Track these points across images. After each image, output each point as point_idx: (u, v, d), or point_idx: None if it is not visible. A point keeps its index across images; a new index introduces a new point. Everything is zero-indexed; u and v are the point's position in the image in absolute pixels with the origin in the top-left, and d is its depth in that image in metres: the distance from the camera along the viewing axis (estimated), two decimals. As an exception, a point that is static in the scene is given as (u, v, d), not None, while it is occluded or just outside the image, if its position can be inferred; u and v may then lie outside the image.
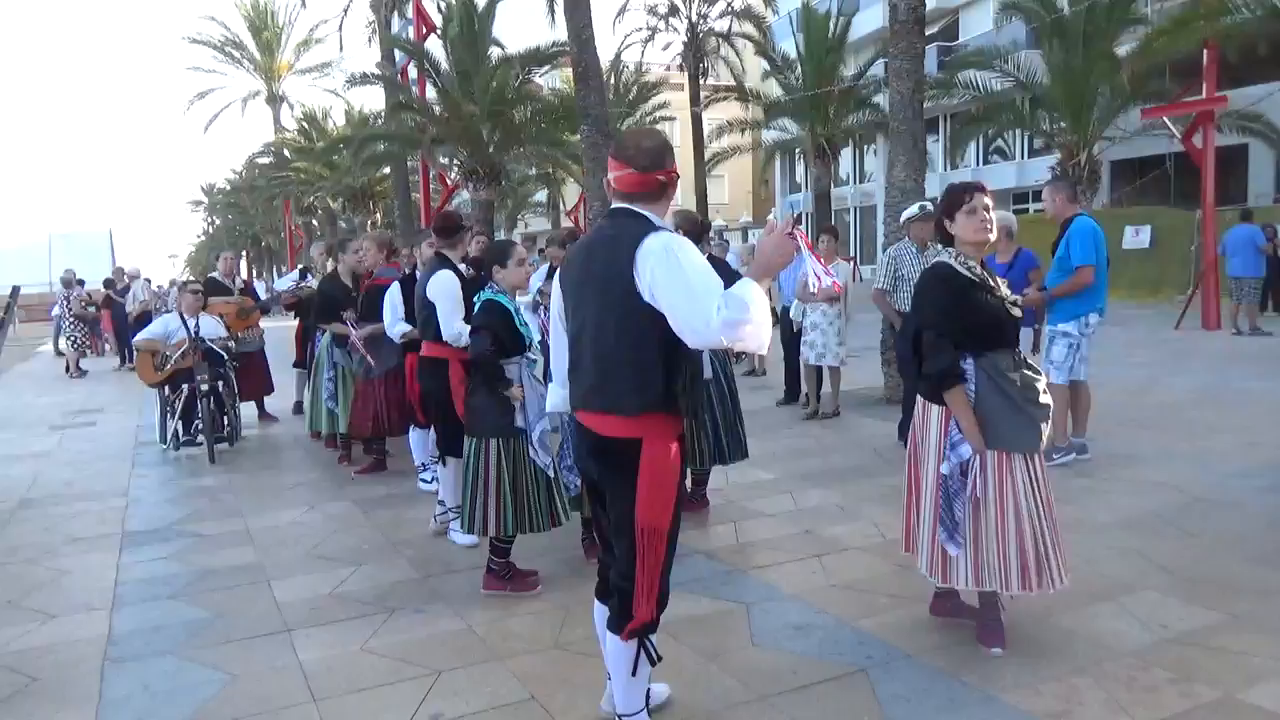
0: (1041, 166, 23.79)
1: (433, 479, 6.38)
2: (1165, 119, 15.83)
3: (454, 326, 4.92)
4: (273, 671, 3.63)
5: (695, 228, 5.56)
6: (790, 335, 9.21)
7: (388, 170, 26.11)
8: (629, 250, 2.66)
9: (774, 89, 26.63)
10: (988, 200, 3.46)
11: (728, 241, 17.38)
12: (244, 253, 55.33)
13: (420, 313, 5.20)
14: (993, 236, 3.51)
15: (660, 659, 2.89)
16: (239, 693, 3.46)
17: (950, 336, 3.37)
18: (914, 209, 7.25)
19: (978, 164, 30.36)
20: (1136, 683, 3.21)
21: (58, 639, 4.06)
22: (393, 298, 6.14)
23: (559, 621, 3.98)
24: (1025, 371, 3.40)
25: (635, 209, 2.79)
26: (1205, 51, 14.71)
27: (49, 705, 3.43)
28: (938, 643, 3.60)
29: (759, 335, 2.47)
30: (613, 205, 2.86)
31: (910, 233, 7.19)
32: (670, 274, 2.57)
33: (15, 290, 7.69)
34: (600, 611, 2.95)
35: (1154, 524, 4.88)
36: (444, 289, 4.99)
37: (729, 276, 5.50)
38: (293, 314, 9.55)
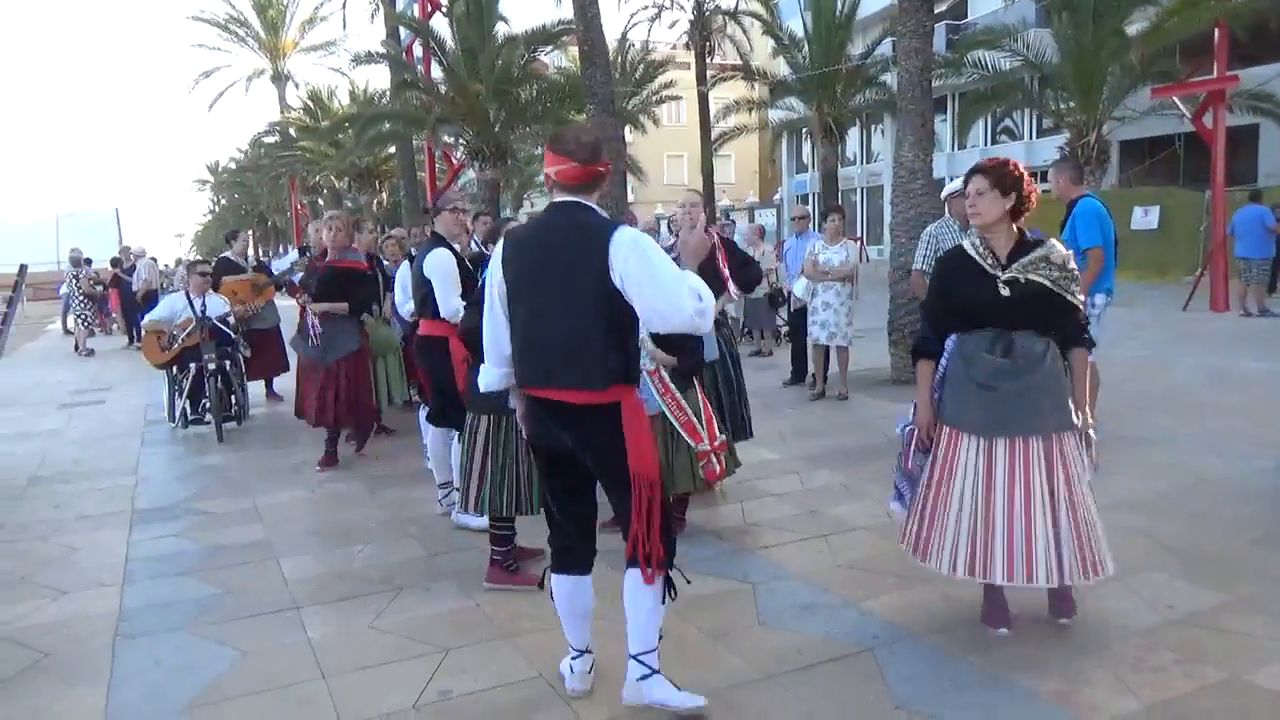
0: (1050, 146, 23.61)
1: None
2: (1175, 98, 15.69)
3: (451, 303, 4.92)
4: (282, 648, 3.66)
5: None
6: (796, 315, 9.20)
7: (393, 149, 26.01)
8: (600, 241, 2.88)
9: (781, 68, 26.44)
10: (978, 184, 3.36)
11: (734, 221, 17.36)
12: (250, 231, 55.28)
13: (418, 291, 5.19)
14: (981, 220, 3.36)
15: (689, 582, 3.17)
16: (249, 669, 3.49)
17: (934, 315, 3.50)
18: (955, 184, 6.88)
19: (986, 143, 30.15)
20: (1143, 663, 3.21)
21: (69, 615, 4.09)
22: (403, 278, 6.16)
23: (566, 600, 3.99)
24: (1004, 359, 3.26)
25: (581, 200, 3.02)
26: (1216, 30, 14.55)
27: (61, 680, 3.46)
28: (944, 623, 3.61)
29: (711, 319, 2.88)
30: (561, 198, 3.04)
31: (951, 209, 6.82)
32: (642, 267, 2.83)
33: (23, 269, 7.70)
34: (562, 585, 3.14)
35: (1161, 505, 4.87)
36: (438, 267, 4.98)
37: (735, 257, 5.53)
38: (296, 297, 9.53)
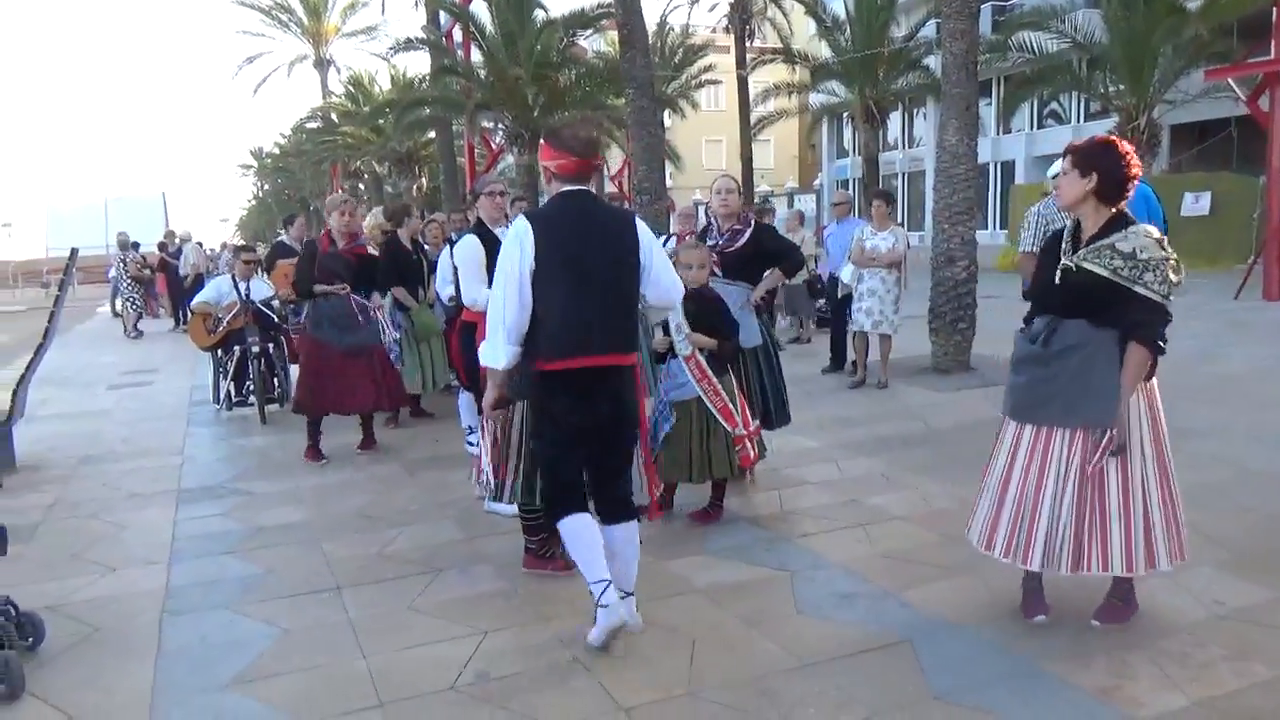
0: (1098, 130, 23.05)
1: (477, 443, 6.45)
2: (1230, 80, 15.25)
3: (473, 291, 4.80)
4: (323, 627, 3.71)
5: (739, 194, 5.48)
6: (837, 302, 9.11)
7: (433, 134, 26.14)
8: (631, 227, 3.40)
9: (822, 51, 26.13)
10: (1063, 164, 3.34)
11: (774, 208, 17.21)
12: (302, 217, 55.79)
13: (455, 278, 5.20)
14: (1060, 201, 3.43)
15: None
16: (291, 647, 3.55)
17: (1030, 297, 3.55)
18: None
19: (1032, 128, 29.59)
20: (1190, 659, 3.15)
21: (118, 591, 4.19)
22: (444, 263, 6.19)
23: (603, 585, 4.00)
24: (1035, 345, 3.30)
25: (588, 189, 3.41)
26: (1275, 9, 14.10)
27: (111, 654, 3.55)
28: (984, 615, 3.56)
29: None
30: (566, 187, 3.35)
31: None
32: (659, 252, 3.43)
33: (74, 252, 7.86)
34: (581, 521, 3.38)
35: (1209, 498, 4.76)
36: (465, 255, 4.86)
37: (778, 243, 5.49)
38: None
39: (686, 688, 3.11)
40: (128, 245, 17.58)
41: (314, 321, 6.40)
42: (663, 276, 3.44)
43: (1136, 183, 3.27)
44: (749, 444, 4.60)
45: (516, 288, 3.27)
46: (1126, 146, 3.27)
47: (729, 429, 4.53)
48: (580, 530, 3.36)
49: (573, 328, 3.26)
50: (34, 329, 7.72)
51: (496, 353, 3.37)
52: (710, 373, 4.53)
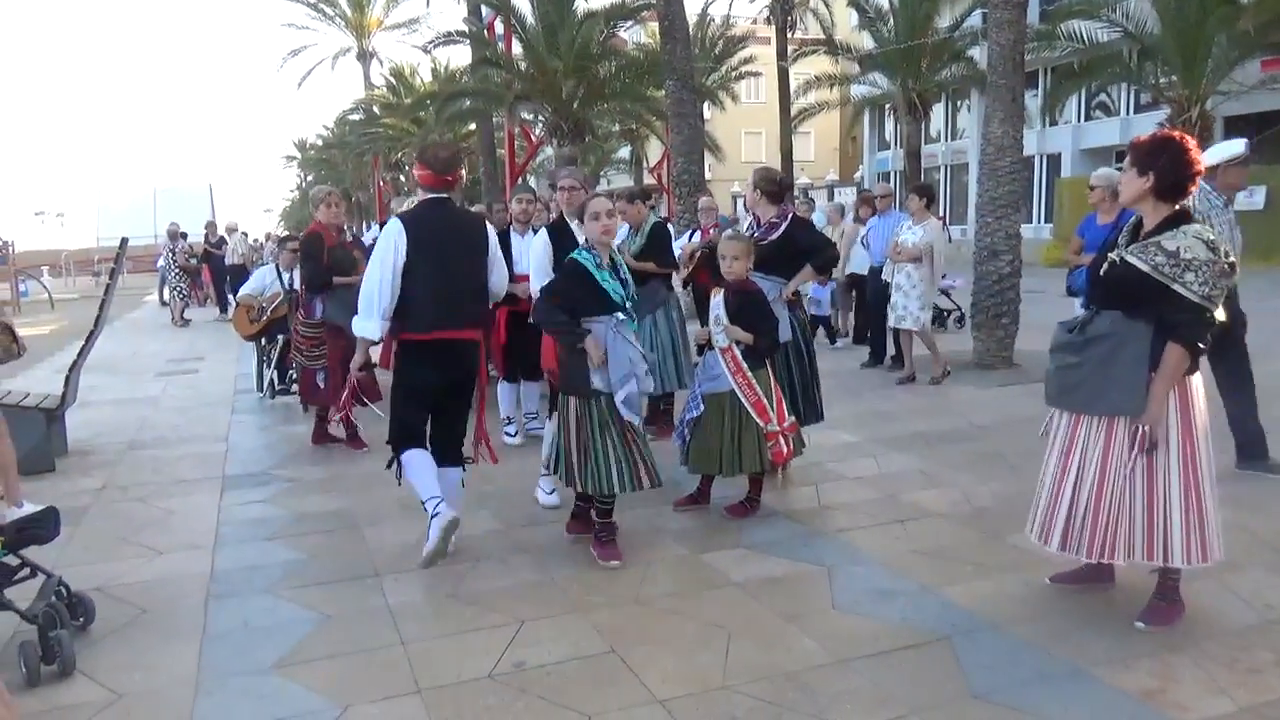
0: (1148, 123, 22.53)
1: (516, 432, 6.50)
2: (1288, 71, 14.82)
3: (537, 284, 4.99)
4: (363, 614, 3.76)
5: (774, 187, 5.42)
6: (877, 297, 9.03)
7: (473, 127, 26.28)
8: (481, 228, 4.32)
9: (865, 42, 25.83)
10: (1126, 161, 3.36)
11: (814, 200, 17.05)
12: (349, 200, 56.34)
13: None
14: (1120, 199, 3.42)
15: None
16: (332, 632, 3.60)
17: None
18: (1236, 146, 5.31)
19: (1079, 120, 29.00)
20: (1238, 664, 3.08)
21: (165, 574, 4.28)
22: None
23: (639, 578, 4.02)
24: (1070, 333, 3.36)
25: (448, 197, 4.26)
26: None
27: (158, 636, 3.63)
28: (1025, 613, 3.52)
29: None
30: (429, 195, 4.20)
31: (1221, 179, 5.37)
32: (497, 250, 4.36)
33: (124, 242, 8.03)
34: (422, 456, 4.17)
35: (1260, 499, 4.66)
36: (534, 250, 5.10)
37: (812, 238, 5.44)
38: None
39: (722, 681, 3.11)
40: (177, 235, 17.92)
41: (334, 313, 6.30)
42: (496, 269, 4.36)
43: (1199, 180, 3.22)
44: (782, 440, 4.57)
45: (390, 277, 4.04)
46: (1190, 143, 3.21)
47: (761, 424, 4.50)
48: (419, 459, 4.17)
49: (434, 307, 4.06)
50: (86, 317, 7.90)
51: (369, 326, 4.11)
52: (745, 367, 4.52)
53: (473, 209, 8.98)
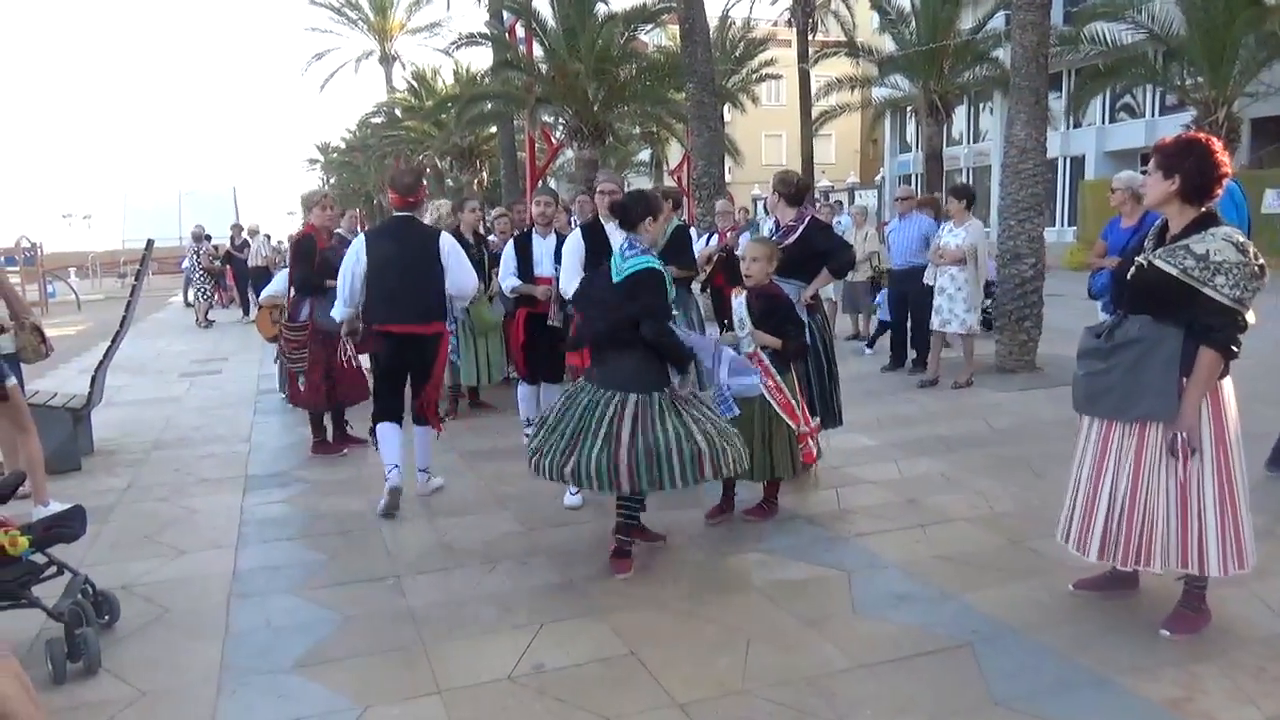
0: (1174, 125, 22.33)
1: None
2: (1317, 73, 14.62)
3: (566, 283, 5.21)
4: (383, 614, 3.78)
5: (792, 190, 5.40)
6: (898, 299, 8.97)
7: (494, 129, 26.37)
8: (434, 240, 5.09)
9: (886, 44, 25.72)
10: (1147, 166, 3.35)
11: (839, 203, 16.96)
12: (358, 210, 56.82)
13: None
14: (1145, 201, 3.45)
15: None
16: (352, 633, 3.62)
17: None
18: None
19: (1103, 121, 28.74)
20: (1266, 673, 3.04)
21: (188, 573, 4.32)
22: (507, 254, 6.28)
23: (658, 581, 4.01)
24: (1098, 339, 3.34)
25: (411, 215, 5.17)
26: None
27: (181, 635, 3.66)
28: (1048, 620, 3.49)
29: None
30: (395, 213, 5.17)
31: None
32: (457, 256, 5.10)
33: (149, 244, 8.11)
34: (389, 428, 5.10)
35: (1289, 507, 4.59)
36: (567, 249, 5.23)
37: (829, 240, 5.41)
38: None
39: (742, 685, 3.10)
40: (201, 237, 18.10)
41: (322, 317, 6.23)
42: (455, 275, 5.09)
43: (1226, 183, 3.18)
44: (811, 441, 4.58)
45: (350, 280, 5.11)
46: (1215, 145, 3.17)
47: (792, 426, 4.48)
48: (385, 432, 5.10)
49: (384, 306, 5.03)
50: (111, 318, 7.98)
51: (338, 310, 5.29)
52: (774, 370, 4.51)
53: (493, 211, 9.06)
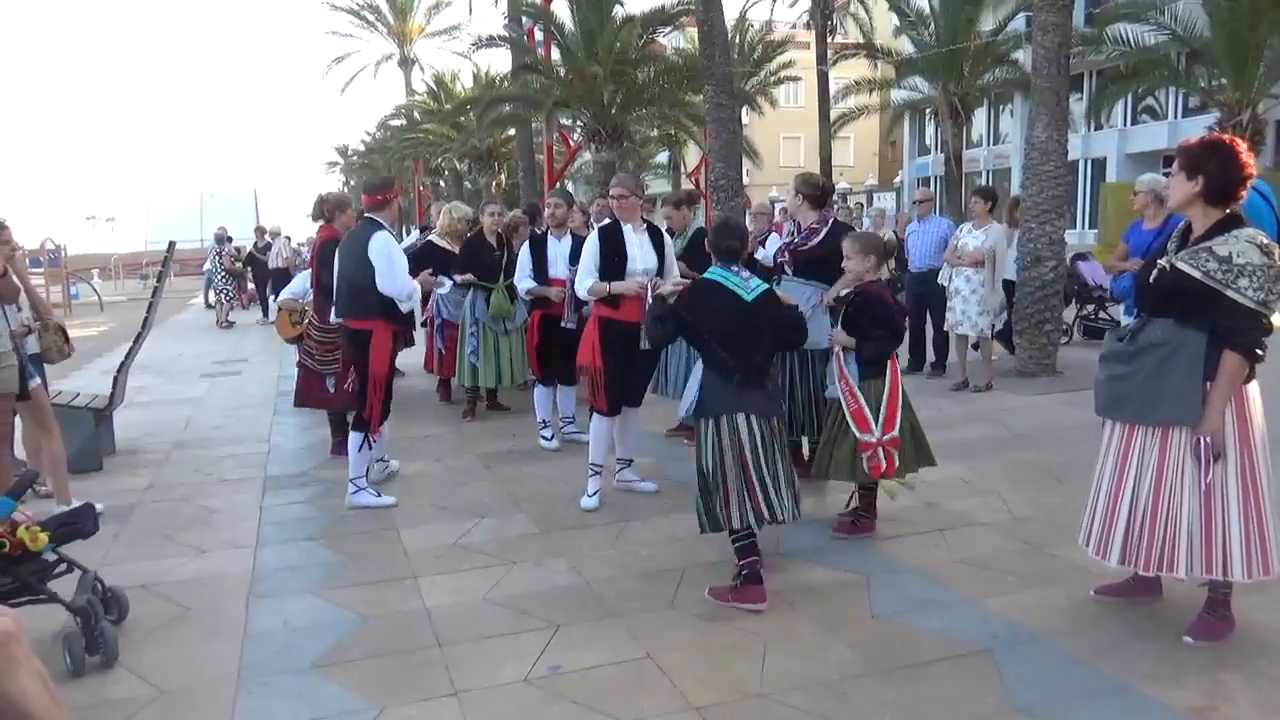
0: (1197, 127, 22.09)
1: (552, 436, 6.51)
2: (1344, 74, 14.43)
3: (582, 281, 5.12)
4: (400, 615, 3.79)
5: (816, 192, 5.37)
6: (916, 301, 8.92)
7: (512, 132, 26.45)
8: (364, 240, 5.13)
9: (905, 46, 25.60)
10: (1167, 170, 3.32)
11: (860, 205, 16.87)
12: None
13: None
14: (1169, 203, 3.39)
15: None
16: (370, 633, 3.63)
17: None
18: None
19: (1125, 124, 28.50)
20: (1292, 682, 3.00)
21: (208, 572, 4.35)
22: (522, 256, 6.30)
23: (674, 583, 4.00)
24: (1121, 342, 3.32)
25: (375, 216, 5.28)
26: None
27: (201, 634, 3.68)
28: (1069, 626, 3.45)
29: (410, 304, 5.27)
30: (365, 213, 5.34)
31: None
32: (387, 258, 5.08)
33: (171, 245, 8.19)
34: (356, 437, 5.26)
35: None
36: (586, 249, 5.14)
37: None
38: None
39: (759, 689, 3.09)
40: (224, 239, 18.25)
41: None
42: (380, 277, 5.09)
43: (1250, 184, 3.13)
44: (882, 453, 4.26)
45: (338, 272, 5.38)
46: (1239, 146, 3.13)
47: (859, 434, 4.29)
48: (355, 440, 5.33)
49: (343, 298, 5.32)
50: (134, 319, 8.05)
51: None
52: (849, 374, 4.36)
53: (510, 212, 9.07)
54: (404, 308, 5.24)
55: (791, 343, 4.22)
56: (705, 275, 4.05)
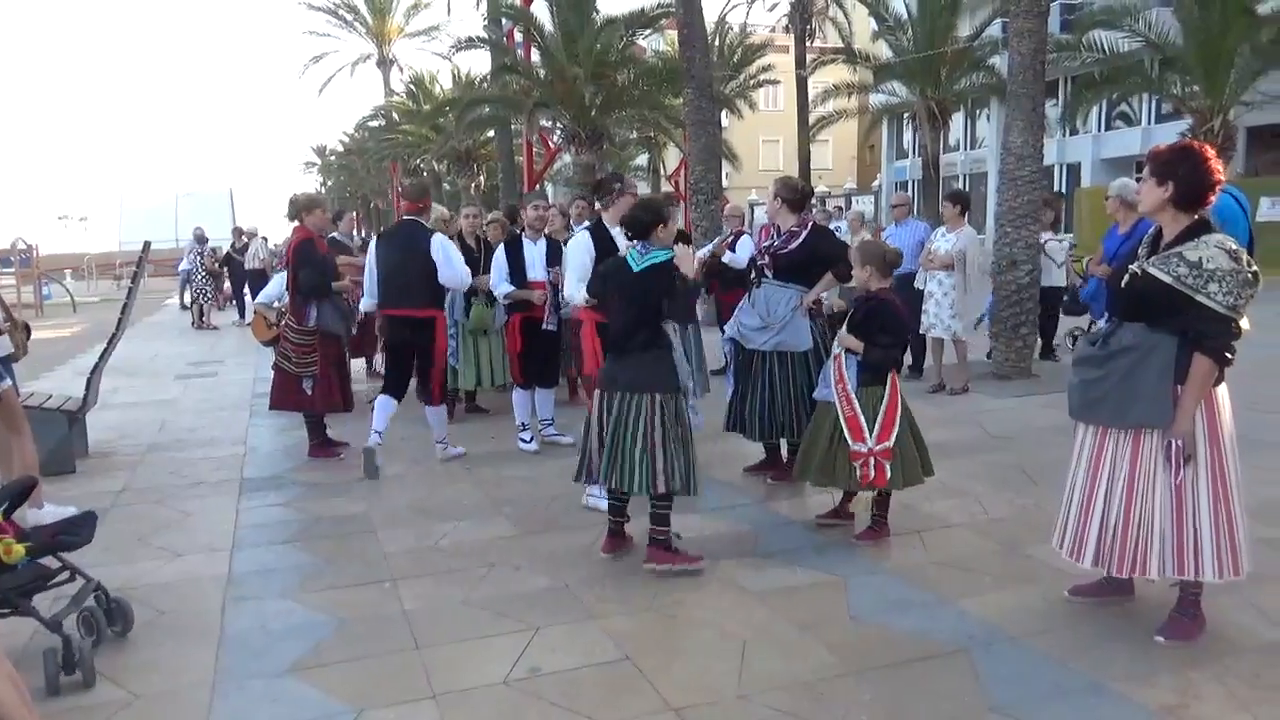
0: (1170, 133, 22.40)
1: (532, 438, 6.50)
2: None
3: (571, 288, 5.12)
4: (379, 618, 3.77)
5: (795, 195, 5.40)
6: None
7: (492, 133, 26.40)
8: (426, 239, 5.89)
9: (884, 51, 25.80)
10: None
11: (838, 209, 16.98)
12: (355, 213, 56.78)
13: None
14: (1140, 208, 3.42)
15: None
16: (348, 636, 3.61)
17: None
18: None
19: (1100, 129, 28.86)
20: (1261, 680, 3.04)
21: (183, 576, 4.31)
22: (499, 260, 6.29)
23: (654, 585, 4.01)
24: (1093, 346, 3.36)
25: (417, 219, 6.09)
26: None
27: (176, 638, 3.65)
28: (1044, 626, 3.49)
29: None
30: (404, 216, 6.22)
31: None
32: (440, 253, 5.85)
33: (146, 246, 8.09)
34: (389, 401, 6.03)
35: (1283, 514, 4.60)
36: (577, 248, 5.15)
37: (832, 246, 5.41)
38: None
39: (737, 690, 3.10)
40: (203, 239, 18.09)
41: (330, 320, 6.36)
42: (443, 270, 5.86)
43: (1219, 190, 3.19)
44: (872, 463, 4.27)
45: (370, 272, 6.17)
46: (1208, 152, 3.18)
47: (851, 442, 4.29)
48: (382, 402, 5.99)
49: (385, 293, 6.03)
50: (107, 320, 7.96)
51: (368, 301, 6.36)
52: (848, 379, 4.35)
53: (491, 213, 9.04)
54: (499, 295, 6.25)
55: (671, 313, 4.25)
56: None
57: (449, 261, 5.88)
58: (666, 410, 4.09)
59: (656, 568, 4.11)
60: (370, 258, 6.17)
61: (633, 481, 4.07)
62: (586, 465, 4.27)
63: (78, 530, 3.51)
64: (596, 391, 4.26)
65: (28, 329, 5.61)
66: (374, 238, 6.25)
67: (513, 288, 6.24)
